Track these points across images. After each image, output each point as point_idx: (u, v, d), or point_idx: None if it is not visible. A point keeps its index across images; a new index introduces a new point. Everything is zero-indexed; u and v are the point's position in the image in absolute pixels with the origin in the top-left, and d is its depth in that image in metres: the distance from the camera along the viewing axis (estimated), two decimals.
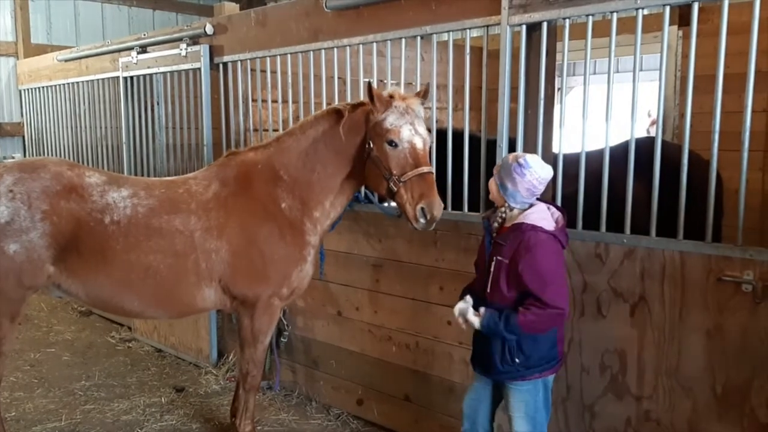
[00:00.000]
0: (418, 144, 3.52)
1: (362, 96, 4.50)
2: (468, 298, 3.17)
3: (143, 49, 6.28)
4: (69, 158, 7.74)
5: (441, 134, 4.22)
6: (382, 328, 4.56)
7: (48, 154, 8.26)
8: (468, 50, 3.94)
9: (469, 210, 4.05)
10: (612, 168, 3.44)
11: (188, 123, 5.94)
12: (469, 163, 4.04)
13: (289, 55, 4.93)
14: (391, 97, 3.58)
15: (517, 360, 3.05)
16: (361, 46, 4.47)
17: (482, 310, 3.07)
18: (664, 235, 3.26)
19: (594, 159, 3.58)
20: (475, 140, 4.06)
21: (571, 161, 3.64)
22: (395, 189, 3.52)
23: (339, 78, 4.73)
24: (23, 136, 8.79)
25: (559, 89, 3.96)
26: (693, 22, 3.10)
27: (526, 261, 2.95)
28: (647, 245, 3.27)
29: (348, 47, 4.54)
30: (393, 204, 4.61)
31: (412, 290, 4.34)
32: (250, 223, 3.89)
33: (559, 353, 3.17)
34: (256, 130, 5.47)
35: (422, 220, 3.44)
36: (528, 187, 3.04)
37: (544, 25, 3.55)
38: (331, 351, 4.94)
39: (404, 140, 3.50)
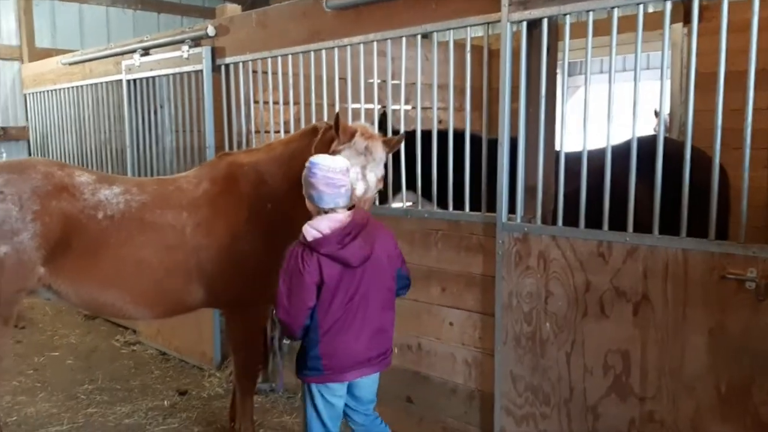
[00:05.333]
0: (358, 190, 3.39)
1: (362, 98, 4.52)
2: None
3: (146, 51, 6.28)
4: (74, 162, 7.76)
5: (442, 134, 4.19)
6: None
7: (52, 158, 8.27)
8: (469, 48, 3.93)
9: (471, 209, 4.02)
10: (615, 166, 3.41)
11: (191, 126, 5.93)
12: (470, 163, 4.01)
13: (290, 56, 4.91)
14: (354, 131, 3.46)
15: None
16: (361, 45, 4.45)
17: None
18: (670, 233, 3.22)
19: (597, 157, 3.55)
20: (476, 140, 4.04)
21: (574, 160, 3.62)
22: None
23: (341, 79, 4.70)
24: (28, 140, 8.81)
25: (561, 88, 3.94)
26: (693, 19, 3.07)
27: None
28: (650, 243, 3.23)
29: (348, 47, 4.52)
30: (397, 204, 4.61)
31: (414, 291, 4.25)
32: (236, 222, 3.88)
33: (322, 366, 3.16)
34: (258, 132, 5.45)
35: None
36: (327, 182, 3.05)
37: (545, 22, 3.52)
38: None
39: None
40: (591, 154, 3.52)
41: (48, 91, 8.19)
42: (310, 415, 3.31)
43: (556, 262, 3.56)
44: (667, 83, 3.37)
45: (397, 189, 4.46)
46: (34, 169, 3.75)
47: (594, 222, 3.46)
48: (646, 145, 3.38)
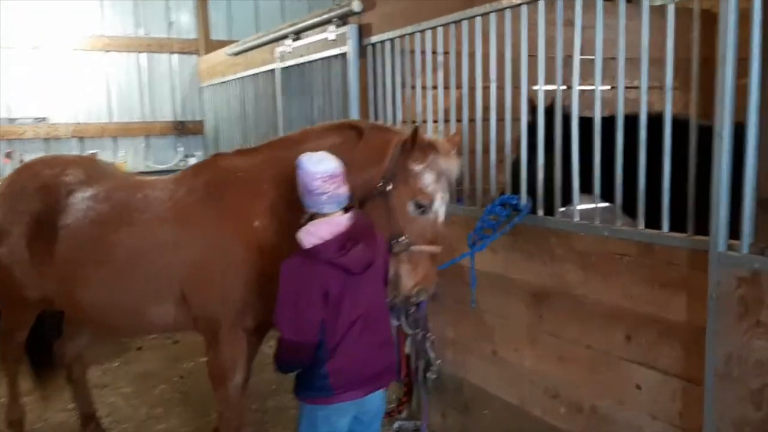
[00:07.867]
0: (441, 218, 3.16)
1: (522, 78, 3.49)
2: None
3: (297, 35, 5.73)
4: None
5: (631, 120, 3.02)
6: (546, 378, 3.47)
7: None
8: (673, 6, 2.76)
9: (671, 228, 2.84)
10: None
11: (337, 116, 5.23)
12: (672, 161, 2.83)
13: (439, 29, 4.00)
14: (431, 147, 3.09)
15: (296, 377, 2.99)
16: (524, 6, 3.41)
17: None
18: None
19: None
20: (681, 127, 2.84)
21: None
22: (395, 249, 3.05)
23: (531, 54, 3.63)
24: (204, 134, 8.76)
25: None
26: None
27: None
28: None
29: (508, 10, 3.51)
30: (574, 207, 3.50)
31: (588, 335, 3.20)
32: (207, 239, 3.32)
33: (330, 385, 2.84)
34: (414, 121, 4.57)
35: (414, 300, 3.18)
36: (306, 188, 2.83)
37: None
38: (484, 397, 3.93)
39: (434, 209, 3.12)
40: None
41: (218, 83, 8.03)
42: None
43: None
44: None
45: (566, 196, 3.37)
46: (28, 170, 3.80)
47: None
48: None
